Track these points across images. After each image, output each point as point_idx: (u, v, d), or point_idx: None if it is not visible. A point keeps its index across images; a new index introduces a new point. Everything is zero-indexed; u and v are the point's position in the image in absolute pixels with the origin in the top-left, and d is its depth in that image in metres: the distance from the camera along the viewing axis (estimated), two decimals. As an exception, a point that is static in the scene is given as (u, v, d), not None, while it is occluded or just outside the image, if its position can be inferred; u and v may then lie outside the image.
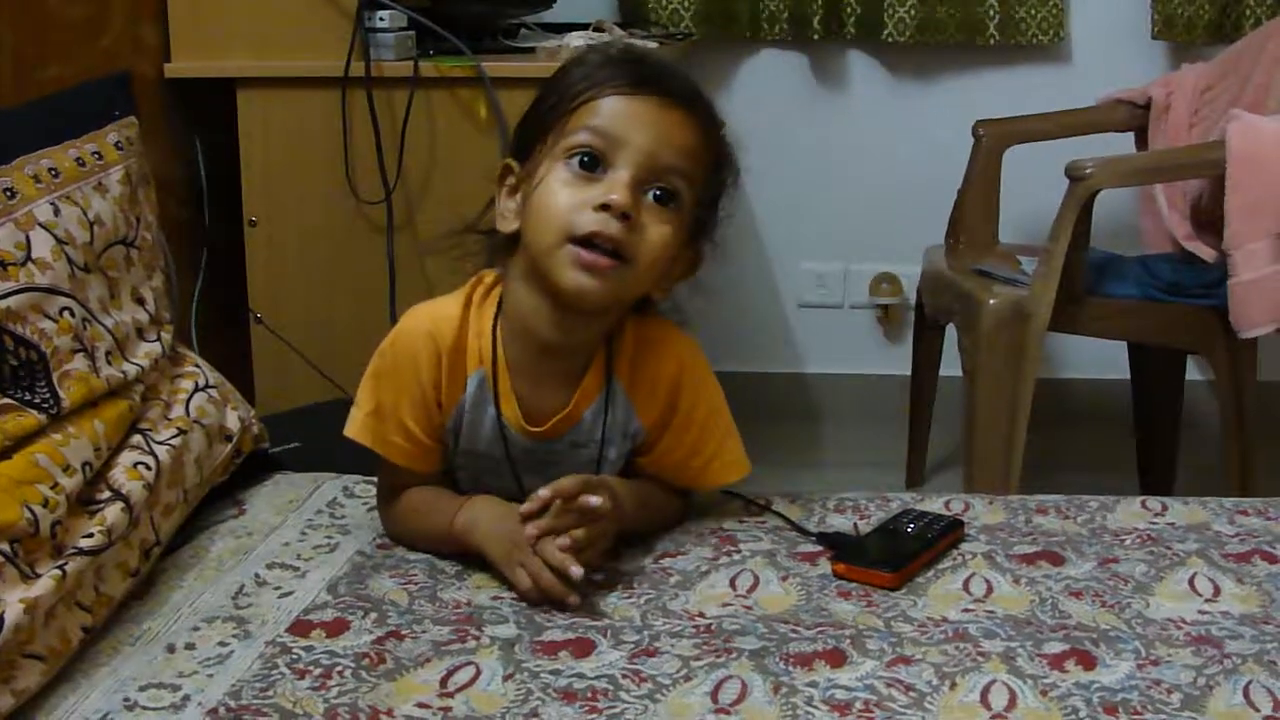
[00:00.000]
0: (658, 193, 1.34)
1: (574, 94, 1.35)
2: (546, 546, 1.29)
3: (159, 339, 1.53)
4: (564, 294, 1.34)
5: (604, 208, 1.31)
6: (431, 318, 1.41)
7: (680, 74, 1.40)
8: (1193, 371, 2.96)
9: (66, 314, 1.36)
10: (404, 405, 1.40)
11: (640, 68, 1.37)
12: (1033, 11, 3.07)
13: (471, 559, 1.38)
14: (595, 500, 1.30)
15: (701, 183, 1.38)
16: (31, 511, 1.20)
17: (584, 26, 2.62)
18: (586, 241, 1.31)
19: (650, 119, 1.33)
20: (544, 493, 1.31)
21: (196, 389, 1.55)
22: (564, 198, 1.33)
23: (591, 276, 1.31)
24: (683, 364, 1.45)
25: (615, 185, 1.31)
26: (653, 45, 2.53)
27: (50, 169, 1.43)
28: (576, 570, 1.27)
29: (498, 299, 1.41)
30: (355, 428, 1.42)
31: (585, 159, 1.33)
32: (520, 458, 1.42)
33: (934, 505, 1.54)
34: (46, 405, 1.30)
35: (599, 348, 1.42)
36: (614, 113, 1.33)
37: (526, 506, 1.32)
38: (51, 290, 1.35)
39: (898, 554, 1.38)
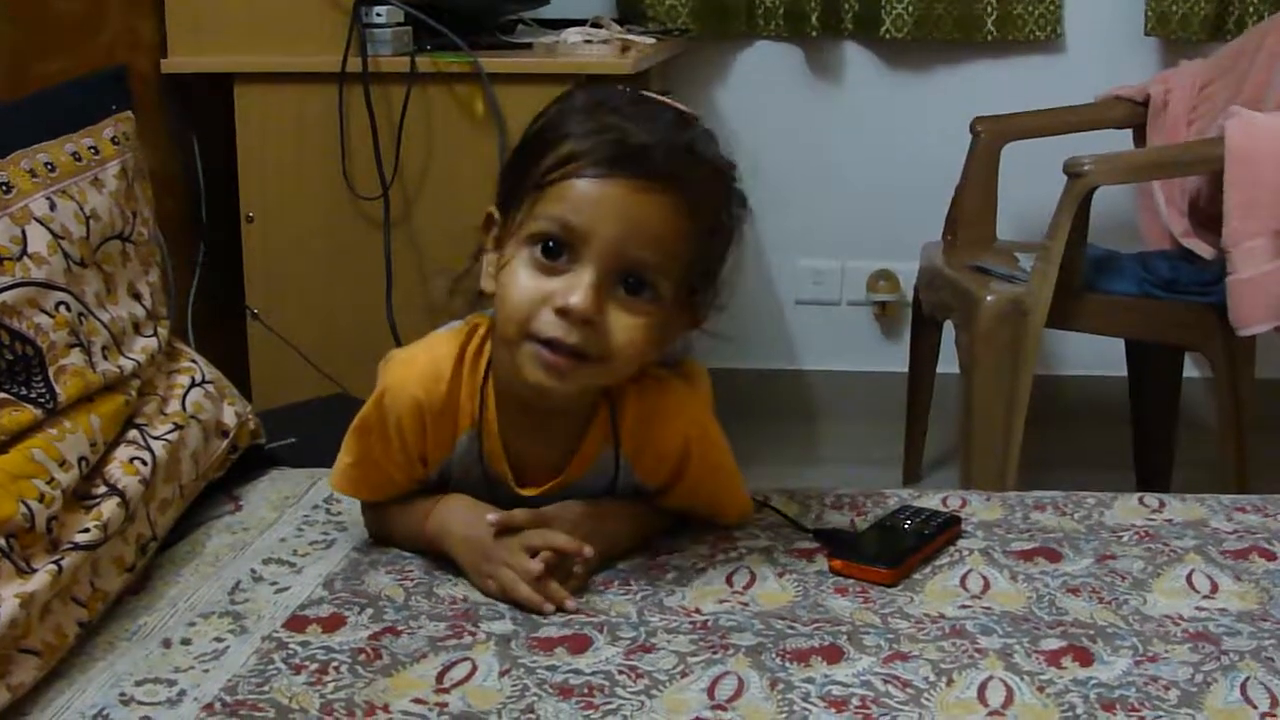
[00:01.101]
0: (630, 281, 1.25)
1: (546, 169, 1.25)
2: (547, 584, 1.28)
3: (155, 334, 1.53)
4: (529, 387, 1.27)
5: (564, 312, 1.22)
6: (423, 377, 1.34)
7: (668, 138, 1.26)
8: (1190, 369, 2.96)
9: (62, 309, 1.36)
10: (387, 461, 1.37)
11: (621, 138, 1.24)
12: (1030, 8, 3.07)
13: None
14: (579, 555, 1.30)
15: (685, 262, 1.27)
16: (27, 506, 1.19)
17: (581, 22, 2.62)
18: (548, 342, 1.24)
19: (620, 208, 1.22)
20: (538, 545, 1.29)
21: (193, 384, 1.55)
22: (525, 289, 1.24)
23: (553, 376, 1.24)
24: (689, 435, 1.37)
25: (577, 286, 1.22)
26: (650, 41, 2.53)
27: (46, 163, 1.42)
28: (571, 604, 1.27)
29: (489, 353, 1.36)
30: (337, 477, 1.41)
31: (548, 246, 1.24)
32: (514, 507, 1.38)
33: (931, 501, 1.54)
34: (42, 400, 1.30)
35: (599, 406, 1.36)
36: (581, 201, 1.23)
37: (499, 521, 1.31)
38: (47, 285, 1.35)
39: (895, 550, 1.38)
